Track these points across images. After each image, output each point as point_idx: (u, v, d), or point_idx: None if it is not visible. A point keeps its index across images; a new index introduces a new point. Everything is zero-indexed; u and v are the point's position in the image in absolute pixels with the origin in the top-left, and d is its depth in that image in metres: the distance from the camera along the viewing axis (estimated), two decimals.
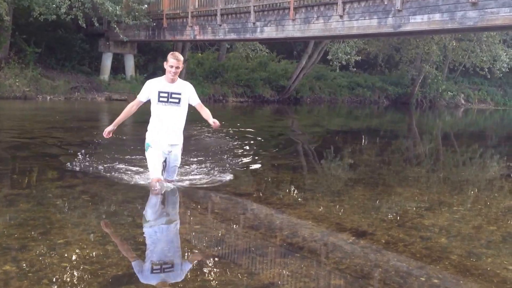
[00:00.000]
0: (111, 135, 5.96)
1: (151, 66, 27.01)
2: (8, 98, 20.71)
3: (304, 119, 22.00)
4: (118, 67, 26.03)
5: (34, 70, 22.30)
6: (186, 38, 22.20)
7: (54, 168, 7.58)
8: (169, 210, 5.74)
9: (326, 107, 28.75)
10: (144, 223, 5.06)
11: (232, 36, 19.46)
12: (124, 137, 10.86)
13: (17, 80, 21.36)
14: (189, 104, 5.92)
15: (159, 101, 5.71)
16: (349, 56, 26.83)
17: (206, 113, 5.93)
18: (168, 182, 6.07)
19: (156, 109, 5.79)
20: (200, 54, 30.97)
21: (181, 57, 5.72)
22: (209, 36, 20.60)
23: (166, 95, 5.70)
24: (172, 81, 5.73)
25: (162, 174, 5.98)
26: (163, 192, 5.89)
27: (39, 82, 22.10)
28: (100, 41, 25.31)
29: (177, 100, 5.73)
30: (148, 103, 5.99)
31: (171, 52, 5.76)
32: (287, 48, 33.73)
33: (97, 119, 16.99)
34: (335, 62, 27.51)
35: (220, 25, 19.53)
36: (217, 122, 5.83)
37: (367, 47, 30.14)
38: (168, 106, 5.72)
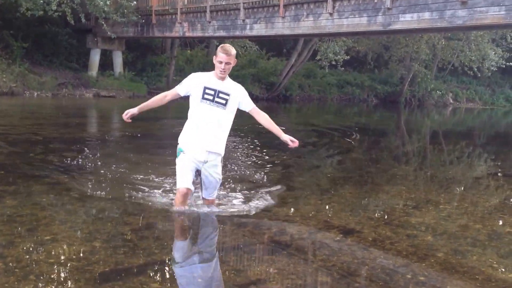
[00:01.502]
0: (130, 120, 4.91)
1: (139, 63, 26.90)
2: None
3: (294, 117, 22.04)
4: (106, 64, 25.88)
5: (21, 65, 22.11)
6: (175, 35, 22.12)
7: (41, 164, 7.52)
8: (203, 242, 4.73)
9: (315, 105, 28.81)
10: (172, 258, 4.18)
11: (222, 33, 19.43)
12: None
13: (4, 76, 21.15)
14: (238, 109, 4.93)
15: (203, 98, 4.73)
16: (338, 56, 26.89)
17: (266, 120, 4.97)
18: (208, 203, 5.09)
19: (197, 108, 4.78)
20: (189, 51, 30.90)
21: (233, 51, 4.70)
22: (198, 33, 20.55)
23: (212, 92, 4.72)
24: (221, 79, 4.76)
25: (192, 184, 4.89)
26: (189, 206, 5.05)
27: (26, 78, 21.90)
28: (88, 37, 25.13)
29: (224, 101, 4.74)
30: (182, 99, 5.10)
31: (221, 45, 4.75)
32: (277, 46, 33.73)
33: (85, 116, 16.89)
34: (324, 62, 27.56)
35: (210, 22, 19.48)
36: (296, 141, 4.85)
37: (357, 46, 30.21)
38: (213, 106, 4.73)
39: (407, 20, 13.05)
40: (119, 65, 25.78)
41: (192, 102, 4.83)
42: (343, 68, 30.25)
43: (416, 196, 6.80)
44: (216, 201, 5.32)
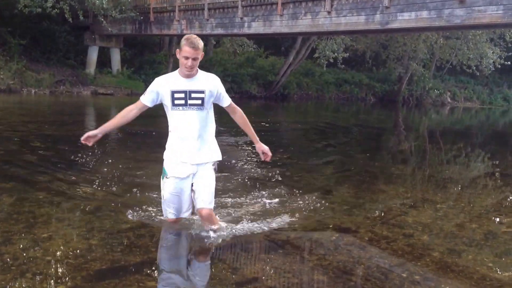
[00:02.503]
0: (91, 143, 4.11)
1: (137, 60, 26.85)
2: None
3: (292, 115, 22.05)
4: (104, 61, 25.83)
5: (19, 62, 22.05)
6: (173, 33, 22.09)
7: (38, 162, 7.52)
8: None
9: (313, 104, 28.80)
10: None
11: (220, 31, 19.41)
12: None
13: (1, 73, 21.10)
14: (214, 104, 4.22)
15: (174, 105, 4.04)
16: (336, 54, 26.87)
17: (242, 120, 4.34)
18: (206, 217, 4.25)
19: (171, 117, 4.12)
20: None
21: (200, 44, 3.96)
22: (196, 31, 20.48)
23: (182, 95, 4.02)
24: (189, 76, 4.03)
25: (188, 210, 4.30)
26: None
27: (24, 75, 21.85)
28: (86, 34, 25.06)
29: (199, 101, 4.04)
30: (156, 109, 4.39)
31: (186, 37, 3.97)
32: (275, 44, 33.71)
33: (83, 113, 16.87)
34: (322, 60, 27.55)
35: (208, 20, 19.46)
36: (269, 155, 4.32)
37: (355, 44, 30.19)
38: (188, 110, 4.04)
39: (405, 19, 13.04)
40: (117, 63, 25.72)
41: (167, 113, 4.15)
42: (343, 66, 30.21)
43: (412, 195, 6.82)
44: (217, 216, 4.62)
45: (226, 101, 4.20)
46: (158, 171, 4.55)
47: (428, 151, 12.38)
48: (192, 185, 4.15)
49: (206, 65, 28.46)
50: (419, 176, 8.56)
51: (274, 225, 4.91)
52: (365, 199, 6.35)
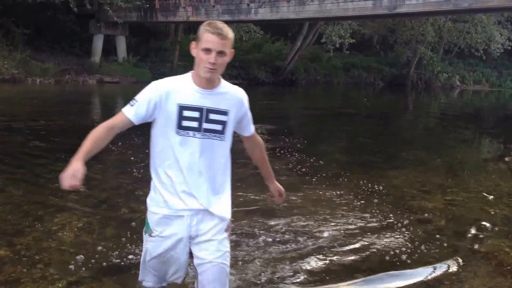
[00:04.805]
0: (78, 184, 2.43)
1: (143, 48, 26.70)
2: None
3: (300, 100, 21.92)
4: (109, 49, 25.69)
5: (23, 52, 21.95)
6: (179, 20, 21.95)
7: (46, 152, 7.48)
8: None
9: (321, 89, 28.64)
10: None
11: (226, 17, 19.23)
12: None
13: (6, 63, 21.02)
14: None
15: (180, 127, 2.56)
16: (342, 40, 26.65)
17: (261, 156, 2.96)
18: None
19: (170, 145, 2.60)
20: (193, 36, 30.69)
21: (228, 32, 2.49)
22: (202, 18, 20.34)
23: (196, 114, 2.55)
24: (209, 84, 2.57)
25: (177, 274, 2.76)
26: None
27: (28, 65, 21.74)
28: (91, 23, 24.92)
29: (219, 127, 2.60)
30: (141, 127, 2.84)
31: (208, 22, 2.55)
32: (282, 30, 33.43)
33: (91, 102, 16.82)
34: (329, 46, 27.34)
35: (214, 6, 19.31)
36: (284, 195, 3.06)
37: (362, 29, 29.91)
38: (201, 139, 2.57)
39: (413, 3, 12.87)
40: (123, 51, 25.58)
41: (157, 135, 2.63)
42: (348, 52, 29.97)
43: (425, 180, 6.74)
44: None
45: (250, 128, 2.81)
46: None
47: (439, 135, 12.25)
48: (190, 250, 2.67)
49: None
50: (431, 161, 8.44)
51: (284, 213, 4.82)
52: (376, 185, 6.25)
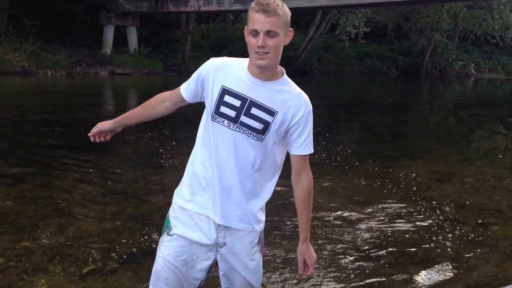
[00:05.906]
0: (103, 139, 2.61)
1: (154, 39, 26.43)
2: (8, 74, 20.18)
3: (314, 90, 21.60)
4: (120, 41, 25.43)
5: (34, 44, 21.77)
6: (191, 10, 21.64)
7: (59, 145, 7.41)
8: None
9: (334, 79, 28.37)
10: None
11: (238, 6, 18.92)
12: None
13: (17, 55, 20.86)
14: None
15: (216, 112, 2.21)
16: (357, 30, 26.26)
17: (305, 195, 2.33)
18: None
19: (205, 132, 2.30)
20: (205, 26, 30.39)
21: (277, 7, 2.13)
22: (214, 7, 20.04)
23: (238, 103, 2.19)
24: (263, 73, 2.18)
25: None
26: None
27: (39, 57, 21.56)
28: (101, 13, 24.68)
29: (260, 126, 2.19)
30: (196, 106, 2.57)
31: (255, 0, 2.13)
32: (294, 19, 32.79)
33: (104, 95, 16.64)
34: (344, 36, 26.97)
35: None
36: (312, 268, 2.35)
37: (376, 17, 29.44)
38: (235, 132, 2.20)
39: None
40: (134, 42, 25.32)
41: (202, 119, 2.35)
42: (363, 41, 29.56)
43: (439, 169, 6.76)
44: None
45: (298, 148, 2.28)
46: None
47: (454, 124, 12.13)
48: (216, 263, 2.31)
49: (224, 42, 27.99)
50: (445, 150, 8.48)
51: None
52: (391, 174, 6.26)
